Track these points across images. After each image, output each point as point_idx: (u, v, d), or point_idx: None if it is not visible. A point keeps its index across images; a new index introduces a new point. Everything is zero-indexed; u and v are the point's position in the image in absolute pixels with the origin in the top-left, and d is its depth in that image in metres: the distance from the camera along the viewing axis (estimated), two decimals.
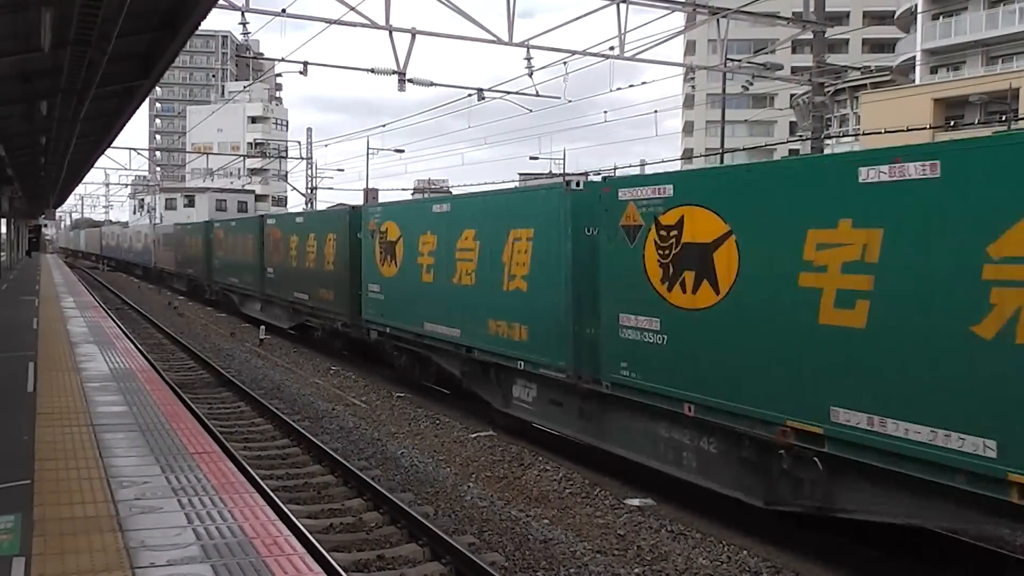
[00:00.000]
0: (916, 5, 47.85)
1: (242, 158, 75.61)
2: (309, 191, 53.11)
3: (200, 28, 12.86)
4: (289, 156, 66.23)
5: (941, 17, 46.52)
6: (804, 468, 8.35)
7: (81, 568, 5.44)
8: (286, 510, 8.92)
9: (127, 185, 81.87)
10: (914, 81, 46.10)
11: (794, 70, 44.58)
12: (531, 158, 59.92)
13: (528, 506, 10.32)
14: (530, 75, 19.95)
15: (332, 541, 8.78)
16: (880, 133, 26.05)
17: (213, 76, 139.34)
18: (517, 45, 18.41)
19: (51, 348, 15.45)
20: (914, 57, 47.76)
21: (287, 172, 73.89)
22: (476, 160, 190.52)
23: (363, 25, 17.37)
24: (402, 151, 53.56)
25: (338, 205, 43.23)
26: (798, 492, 8.53)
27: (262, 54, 79.51)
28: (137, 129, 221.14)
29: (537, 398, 12.93)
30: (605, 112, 49.97)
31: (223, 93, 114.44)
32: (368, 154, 52.73)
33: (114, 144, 30.33)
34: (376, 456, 12.60)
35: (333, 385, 18.50)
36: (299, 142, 55.45)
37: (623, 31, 18.50)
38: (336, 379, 19.32)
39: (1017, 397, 6.54)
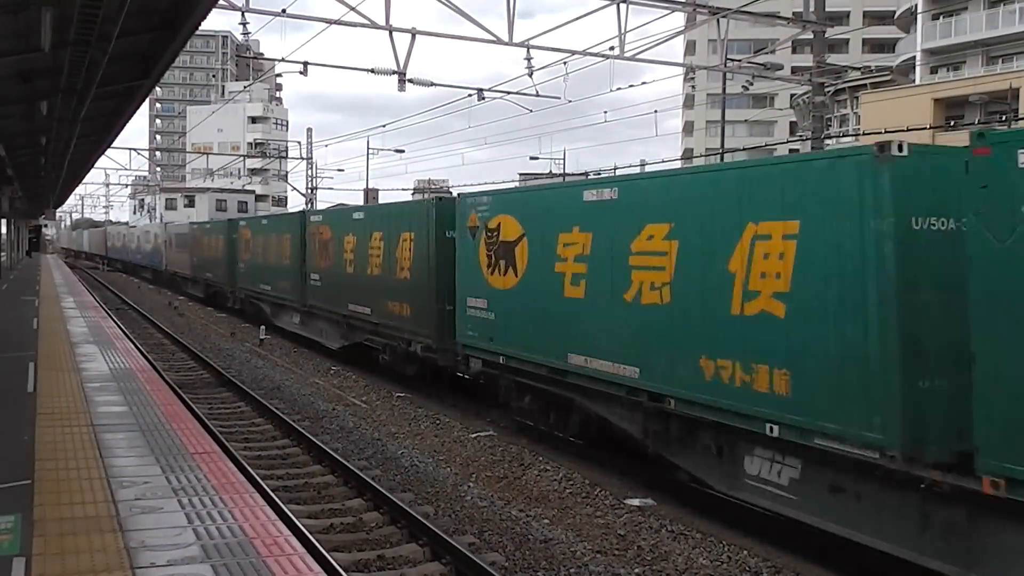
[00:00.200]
0: (916, 5, 47.84)
1: (242, 158, 75.62)
2: (309, 191, 53.14)
3: (200, 28, 12.86)
4: (289, 156, 66.37)
5: (941, 17, 46.50)
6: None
7: (81, 568, 5.44)
8: (286, 510, 8.92)
9: (127, 185, 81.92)
10: (914, 81, 46.08)
11: (794, 70, 44.57)
12: (531, 158, 59.93)
13: (528, 506, 10.32)
14: (530, 75, 19.96)
15: (332, 541, 8.78)
16: (880, 133, 26.05)
17: (213, 76, 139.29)
18: (517, 45, 18.41)
19: (51, 348, 15.45)
20: (914, 57, 47.75)
21: (287, 172, 74.01)
22: (476, 160, 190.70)
23: (363, 25, 17.36)
24: (402, 151, 53.67)
25: (338, 205, 43.21)
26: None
27: (262, 54, 79.44)
28: (137, 129, 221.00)
29: (800, 480, 8.69)
30: (605, 112, 50.05)
31: (223, 93, 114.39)
32: (368, 154, 52.84)
33: (114, 144, 30.37)
34: (376, 456, 12.60)
35: (333, 385, 18.50)
36: (299, 142, 55.57)
37: (623, 31, 18.50)
38: (336, 379, 19.32)
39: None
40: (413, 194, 65.32)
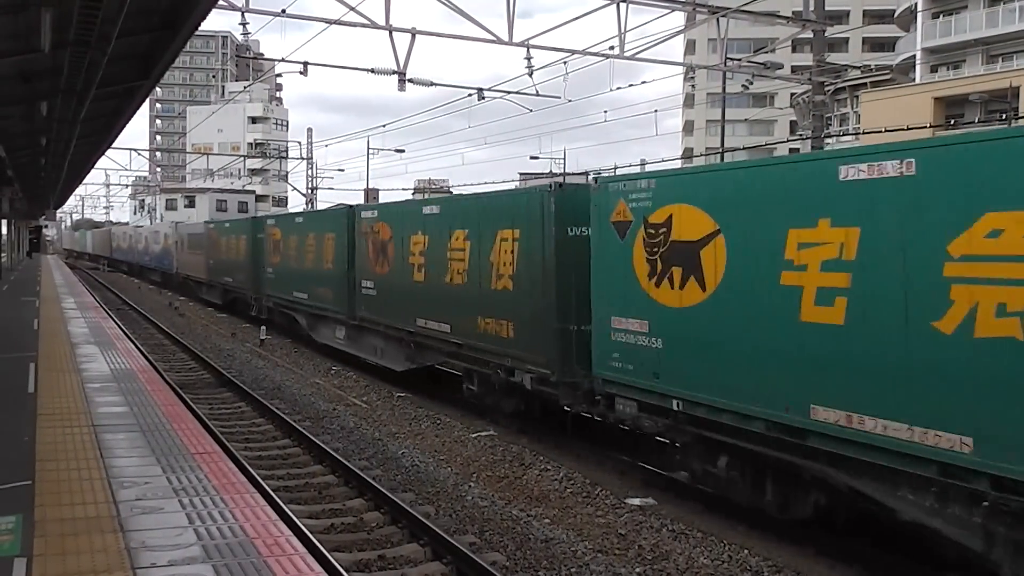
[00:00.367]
0: (916, 4, 47.86)
1: (242, 158, 75.66)
2: (309, 191, 53.18)
3: (200, 28, 12.87)
4: (289, 156, 66.38)
5: (941, 16, 46.52)
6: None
7: (82, 569, 5.45)
8: (287, 510, 8.92)
9: (127, 186, 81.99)
10: (914, 80, 46.11)
11: (794, 69, 44.52)
12: (531, 158, 59.99)
13: (529, 506, 10.32)
14: (530, 75, 19.95)
15: (333, 541, 8.78)
16: (880, 132, 26.06)
17: (213, 76, 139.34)
18: (517, 45, 18.41)
19: (52, 349, 15.46)
20: (914, 56, 47.75)
21: (287, 172, 74.05)
22: (476, 160, 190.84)
23: (363, 25, 17.37)
24: (402, 151, 53.68)
25: (339, 205, 43.10)
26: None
27: (262, 54, 79.62)
28: (137, 129, 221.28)
29: None
30: (605, 112, 49.94)
31: (223, 93, 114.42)
32: (368, 154, 52.84)
33: (114, 145, 30.38)
34: (377, 456, 12.60)
35: (334, 385, 18.51)
36: (299, 142, 55.64)
37: (623, 31, 18.51)
38: (337, 379, 19.33)
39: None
40: (413, 194, 65.29)
